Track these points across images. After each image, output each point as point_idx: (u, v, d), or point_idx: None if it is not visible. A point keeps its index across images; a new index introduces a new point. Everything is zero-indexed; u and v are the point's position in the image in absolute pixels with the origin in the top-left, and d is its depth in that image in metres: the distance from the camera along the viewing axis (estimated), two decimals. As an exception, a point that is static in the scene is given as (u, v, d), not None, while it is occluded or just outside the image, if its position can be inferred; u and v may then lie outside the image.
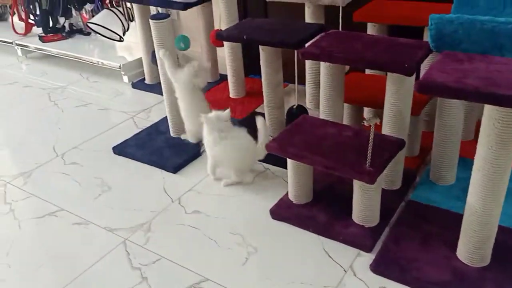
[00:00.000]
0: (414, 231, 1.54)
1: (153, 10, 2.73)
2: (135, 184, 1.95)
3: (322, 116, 1.80)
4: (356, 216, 1.58)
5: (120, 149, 2.16)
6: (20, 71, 3.23)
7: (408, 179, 1.78)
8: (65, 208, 1.82)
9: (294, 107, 2.03)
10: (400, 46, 1.57)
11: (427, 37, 1.92)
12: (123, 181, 1.97)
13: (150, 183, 1.94)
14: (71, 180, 1.99)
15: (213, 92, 2.67)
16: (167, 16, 1.93)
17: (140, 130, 2.33)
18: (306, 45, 1.79)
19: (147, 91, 2.79)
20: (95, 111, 2.59)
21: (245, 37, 1.82)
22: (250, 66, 2.69)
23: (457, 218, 1.48)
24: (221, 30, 2.42)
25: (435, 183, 1.76)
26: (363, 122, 1.30)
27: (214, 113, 1.80)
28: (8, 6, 3.72)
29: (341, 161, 1.43)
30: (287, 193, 1.75)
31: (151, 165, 2.05)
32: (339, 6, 1.99)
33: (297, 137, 1.58)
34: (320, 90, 1.75)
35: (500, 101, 1.04)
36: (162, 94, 2.18)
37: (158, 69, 2.09)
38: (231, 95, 2.60)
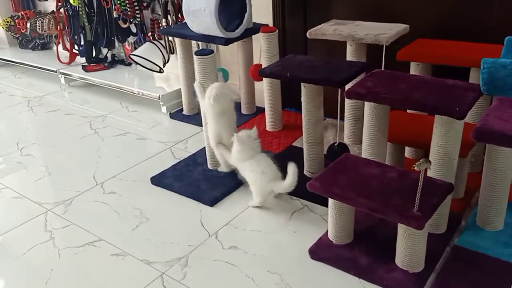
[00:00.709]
0: (462, 280, 1.47)
1: (193, 43, 2.81)
2: (172, 216, 1.95)
3: (364, 155, 1.77)
4: (400, 260, 1.52)
5: (158, 180, 2.18)
6: (62, 99, 3.34)
7: (453, 222, 1.72)
8: (104, 238, 1.83)
9: (336, 144, 2.01)
10: (449, 88, 1.54)
11: (473, 78, 1.90)
12: (161, 212, 1.97)
13: (187, 215, 1.94)
14: (110, 210, 2.01)
15: (250, 124, 2.68)
16: (211, 52, 1.97)
17: (177, 161, 2.35)
18: (350, 84, 1.79)
19: (184, 121, 2.82)
20: (133, 140, 2.64)
21: (288, 75, 1.83)
22: (287, 99, 2.70)
23: (507, 267, 1.41)
24: (261, 65, 2.46)
25: (482, 228, 1.69)
26: (414, 166, 1.27)
27: (244, 132, 1.86)
28: (54, 36, 3.89)
29: (388, 204, 1.39)
30: (326, 232, 1.71)
31: (188, 197, 2.05)
32: (381, 45, 1.99)
33: (340, 177, 1.56)
34: (364, 129, 1.73)
35: None
36: (199, 125, 2.20)
37: (197, 101, 2.12)
38: (268, 128, 2.61)
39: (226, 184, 2.09)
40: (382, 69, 2.03)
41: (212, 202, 1.99)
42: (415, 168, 1.27)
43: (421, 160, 1.27)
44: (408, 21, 2.15)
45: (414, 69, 2.05)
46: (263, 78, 2.43)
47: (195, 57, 2.00)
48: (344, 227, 1.64)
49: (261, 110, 2.79)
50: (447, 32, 2.14)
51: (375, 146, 1.73)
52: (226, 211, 1.95)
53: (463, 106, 1.41)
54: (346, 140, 2.39)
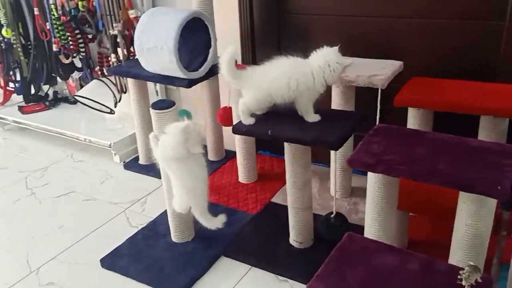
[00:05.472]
0: None
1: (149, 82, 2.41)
2: (129, 315, 1.53)
3: (368, 230, 1.42)
4: None
5: (110, 262, 1.74)
6: (-6, 147, 2.84)
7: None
8: None
9: (332, 215, 1.64)
10: (478, 153, 1.23)
11: (484, 126, 1.61)
12: (114, 310, 1.55)
13: (149, 313, 1.52)
14: (47, 311, 1.56)
15: (219, 175, 2.30)
16: (171, 104, 1.58)
17: (134, 230, 1.93)
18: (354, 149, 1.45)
19: (141, 173, 2.40)
20: (79, 202, 2.18)
21: (270, 133, 1.46)
22: (260, 142, 2.34)
23: None
24: (230, 107, 2.09)
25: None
26: (460, 278, 0.93)
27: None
28: (-15, 70, 3.36)
29: (419, 319, 1.04)
30: (328, 332, 1.35)
31: (149, 285, 1.64)
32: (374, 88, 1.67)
33: (348, 272, 1.19)
34: (367, 199, 1.39)
35: None
36: (158, 177, 1.79)
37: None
38: (241, 179, 2.23)
39: (195, 264, 1.69)
40: (377, 117, 1.72)
41: (180, 292, 1.59)
42: (462, 283, 0.93)
43: (467, 269, 0.93)
44: (398, 56, 1.85)
45: (412, 114, 1.73)
46: (233, 121, 2.05)
47: (152, 111, 1.60)
48: (353, 333, 1.27)
49: (230, 155, 2.42)
50: (445, 68, 1.86)
51: (383, 220, 1.39)
52: (198, 302, 1.56)
53: (504, 182, 1.10)
54: (332, 193, 2.05)
